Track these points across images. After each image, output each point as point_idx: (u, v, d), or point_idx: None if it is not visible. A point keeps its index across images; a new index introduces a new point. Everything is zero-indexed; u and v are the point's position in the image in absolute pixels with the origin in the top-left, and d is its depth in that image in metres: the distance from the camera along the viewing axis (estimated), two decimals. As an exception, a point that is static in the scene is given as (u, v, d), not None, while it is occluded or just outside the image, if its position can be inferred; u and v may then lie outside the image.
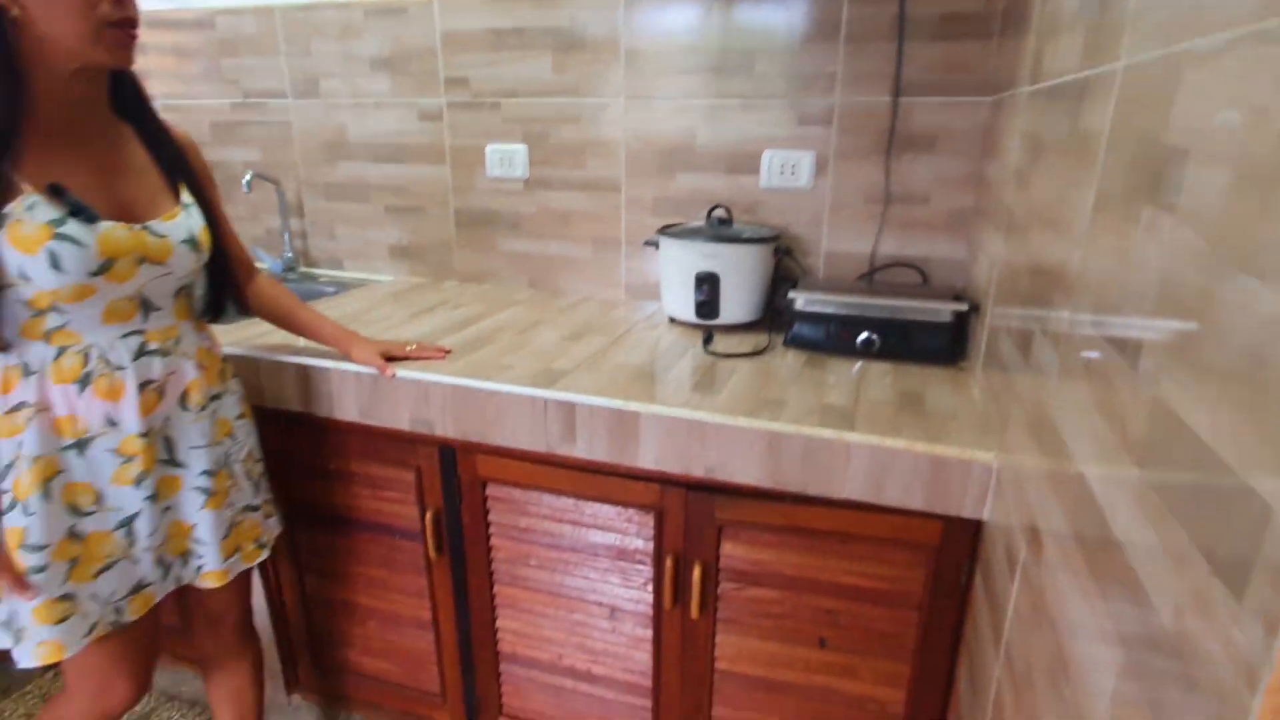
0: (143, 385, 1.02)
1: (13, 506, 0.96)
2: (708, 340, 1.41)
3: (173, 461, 1.08)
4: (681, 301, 1.48)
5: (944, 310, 1.27)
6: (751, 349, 1.36)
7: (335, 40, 1.82)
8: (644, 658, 1.29)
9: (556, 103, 1.68)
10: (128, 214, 0.99)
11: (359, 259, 2.00)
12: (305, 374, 1.30)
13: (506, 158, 1.75)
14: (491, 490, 1.29)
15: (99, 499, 1.02)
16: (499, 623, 1.38)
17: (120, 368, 1.00)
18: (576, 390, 1.15)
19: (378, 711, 1.56)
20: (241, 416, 1.19)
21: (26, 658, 0.99)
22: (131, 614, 1.06)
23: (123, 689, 1.10)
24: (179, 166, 1.08)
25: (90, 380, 0.98)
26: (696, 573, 1.16)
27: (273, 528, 1.26)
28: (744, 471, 1.07)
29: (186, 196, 1.06)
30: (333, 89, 1.87)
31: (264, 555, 1.23)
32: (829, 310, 1.34)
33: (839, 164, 1.50)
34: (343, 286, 1.91)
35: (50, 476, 0.98)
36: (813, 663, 1.17)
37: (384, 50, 1.78)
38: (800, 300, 1.35)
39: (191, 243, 1.04)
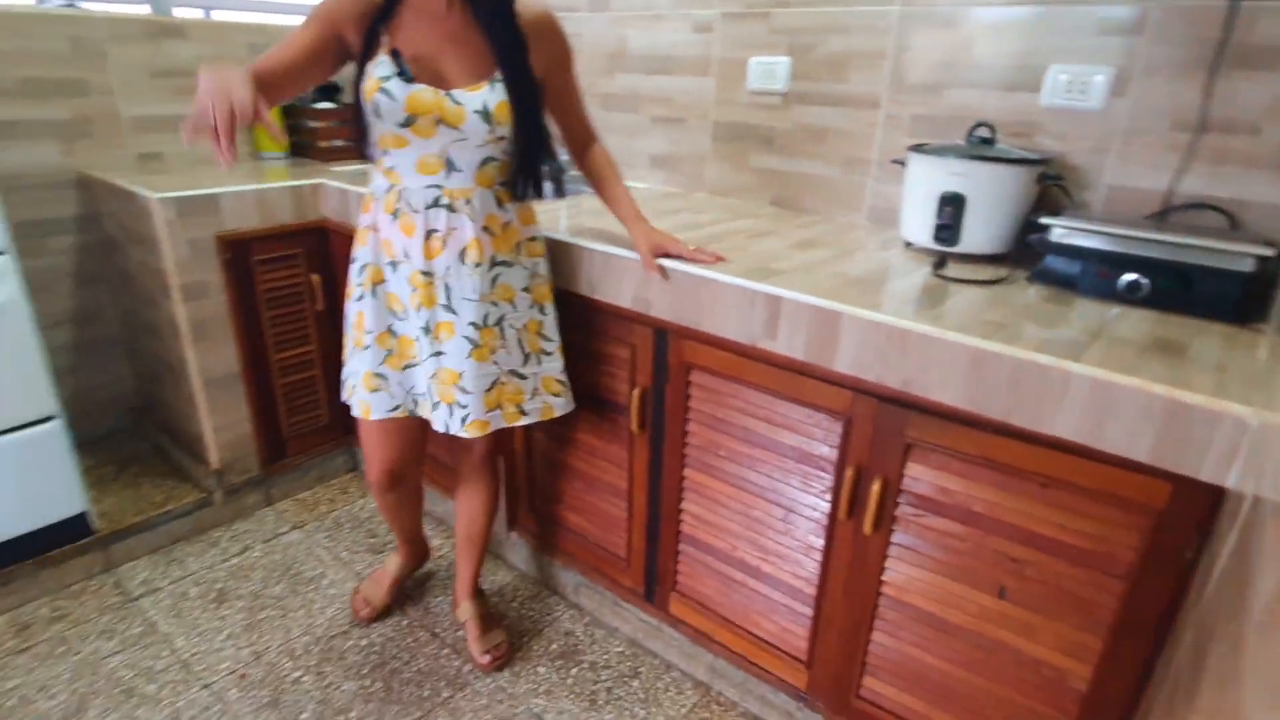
0: (429, 232, 1.24)
1: (360, 297, 1.33)
2: (939, 265, 1.32)
3: (448, 306, 1.29)
4: (920, 225, 1.40)
5: (1245, 255, 1.06)
6: (988, 278, 1.26)
7: (629, -46, 1.94)
8: (812, 565, 1.30)
9: (829, 11, 1.64)
10: (440, 81, 1.17)
11: (624, 166, 2.15)
12: (560, 247, 1.46)
13: (769, 70, 1.76)
14: (695, 376, 1.36)
15: (406, 312, 1.31)
16: (683, 504, 1.47)
17: (416, 211, 1.24)
18: (786, 288, 1.16)
19: (573, 561, 1.76)
20: (529, 290, 1.35)
21: (354, 408, 1.38)
22: (420, 411, 1.38)
23: (391, 454, 1.46)
24: (509, 46, 1.17)
25: (398, 215, 1.24)
26: (876, 488, 1.14)
27: (551, 405, 1.44)
28: (942, 388, 1.02)
29: (499, 74, 1.18)
30: (622, 3, 2.00)
31: (525, 420, 1.41)
32: (1091, 244, 1.18)
33: (1144, 80, 1.28)
34: (603, 188, 2.08)
35: (378, 282, 1.31)
36: (988, 611, 1.10)
37: (669, -39, 1.87)
38: (1057, 228, 1.21)
39: (484, 114, 1.17)
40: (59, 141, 1.99)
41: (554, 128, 1.35)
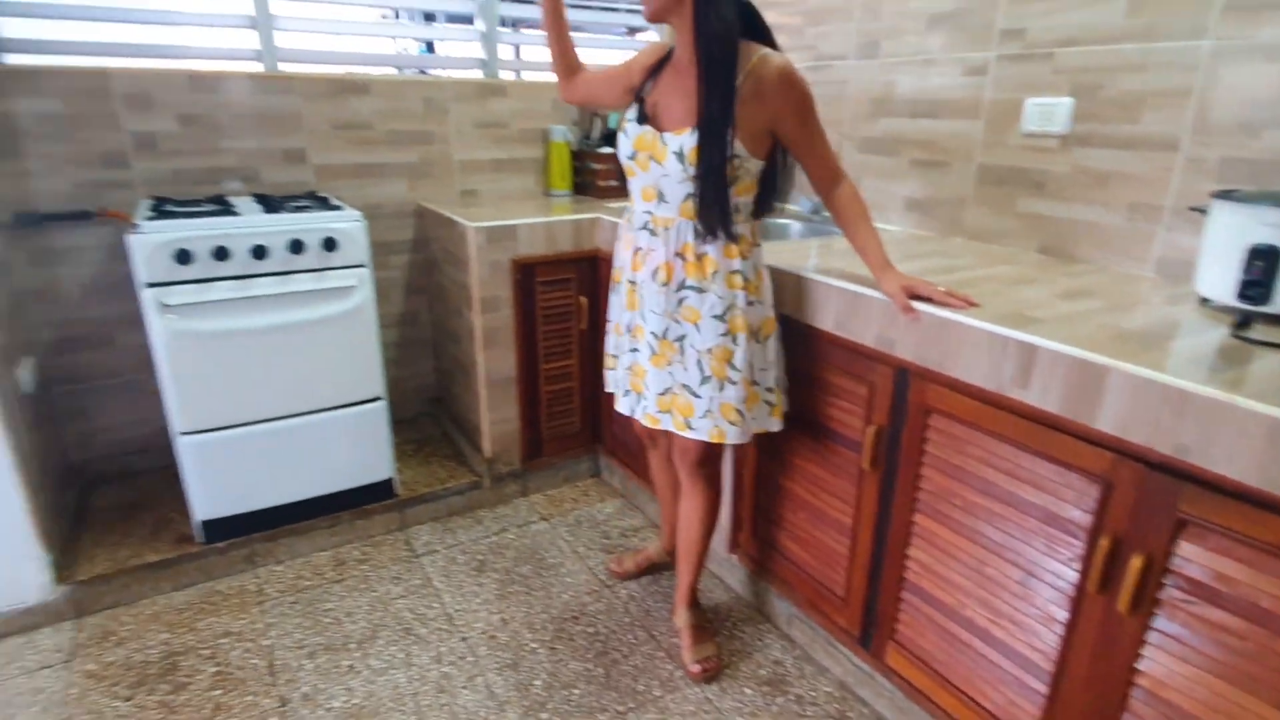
0: (636, 249, 1.49)
1: (613, 291, 1.64)
2: (1242, 324, 1.16)
3: (641, 314, 1.51)
4: (1222, 279, 1.25)
5: None
6: (1308, 345, 1.08)
7: (902, 1, 1.97)
8: (1051, 638, 1.20)
9: (1123, 49, 1.53)
10: (662, 124, 1.38)
11: (874, 209, 2.17)
12: (799, 282, 1.53)
13: (1047, 112, 1.67)
14: (934, 420, 1.34)
15: (623, 311, 1.58)
16: (910, 550, 1.44)
17: (632, 230, 1.49)
18: (1045, 336, 1.11)
19: (789, 591, 1.78)
20: (724, 319, 1.42)
21: (606, 384, 1.72)
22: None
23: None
24: (708, 98, 1.27)
25: (622, 232, 1.55)
26: (1136, 564, 1.03)
27: (724, 431, 1.47)
28: (1228, 461, 0.91)
29: (701, 123, 1.29)
30: (891, 49, 2.03)
31: (692, 434, 1.49)
32: None
33: None
34: (855, 229, 2.11)
35: (618, 281, 1.57)
36: (1275, 728, 0.94)
37: (945, 6, 1.86)
38: None
39: (679, 155, 1.33)
40: (407, 179, 2.49)
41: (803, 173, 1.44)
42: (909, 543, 1.43)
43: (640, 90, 1.44)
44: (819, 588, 1.68)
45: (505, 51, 2.64)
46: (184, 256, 1.72)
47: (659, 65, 1.43)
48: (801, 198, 2.31)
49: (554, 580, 2.04)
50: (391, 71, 2.63)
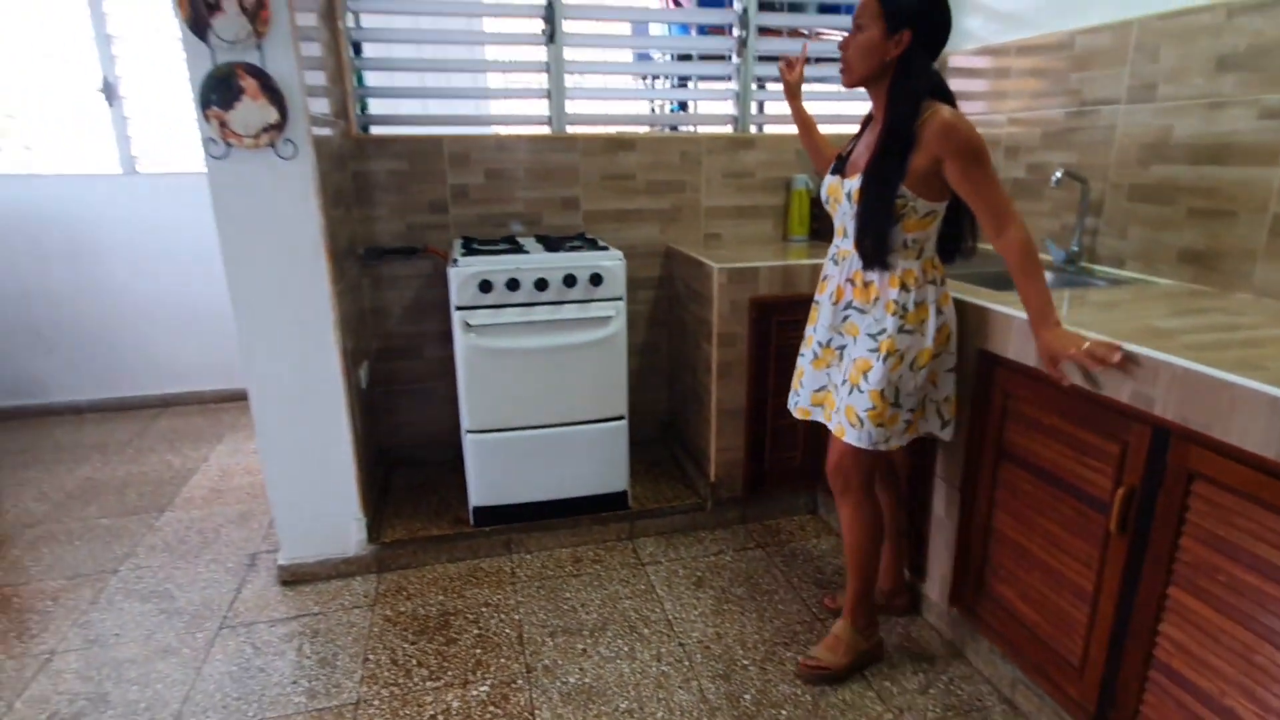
0: (824, 277, 1.75)
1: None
2: None
3: (814, 328, 1.77)
4: None
5: None
6: None
7: (1186, 43, 1.85)
8: (1339, 745, 1.06)
9: None
10: (848, 171, 1.62)
11: (1142, 260, 2.02)
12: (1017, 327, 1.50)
13: (1367, 158, 1.49)
14: (1198, 486, 1.25)
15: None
16: (1161, 626, 1.33)
17: (830, 260, 1.74)
18: (1337, 402, 1.02)
19: (1012, 651, 1.70)
20: (875, 338, 1.60)
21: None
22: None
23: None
24: (877, 148, 1.51)
25: (829, 262, 1.76)
26: None
27: (844, 428, 1.66)
28: None
29: (867, 168, 1.52)
30: (1169, 92, 1.91)
31: (835, 428, 1.70)
32: None
33: None
34: (1115, 282, 1.98)
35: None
36: None
37: (1238, 47, 1.73)
38: None
39: (849, 197, 1.58)
40: (659, 223, 2.78)
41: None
42: (1161, 617, 1.33)
43: (847, 148, 1.70)
44: (1049, 653, 1.60)
45: (754, 106, 2.85)
46: (485, 286, 2.10)
47: (863, 128, 1.69)
48: (1050, 244, 2.21)
49: (767, 605, 2.12)
50: (654, 129, 2.96)
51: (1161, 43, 1.92)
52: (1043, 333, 1.43)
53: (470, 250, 2.28)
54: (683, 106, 3.51)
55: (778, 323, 2.35)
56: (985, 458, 1.75)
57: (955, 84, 2.75)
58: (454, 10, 2.58)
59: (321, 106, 2.11)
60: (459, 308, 2.12)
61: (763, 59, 2.78)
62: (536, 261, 2.16)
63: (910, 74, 1.48)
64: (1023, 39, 2.39)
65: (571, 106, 2.65)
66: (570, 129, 2.66)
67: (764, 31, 2.78)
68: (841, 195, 1.61)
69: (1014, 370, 1.63)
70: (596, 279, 2.19)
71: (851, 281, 1.65)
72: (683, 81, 3.30)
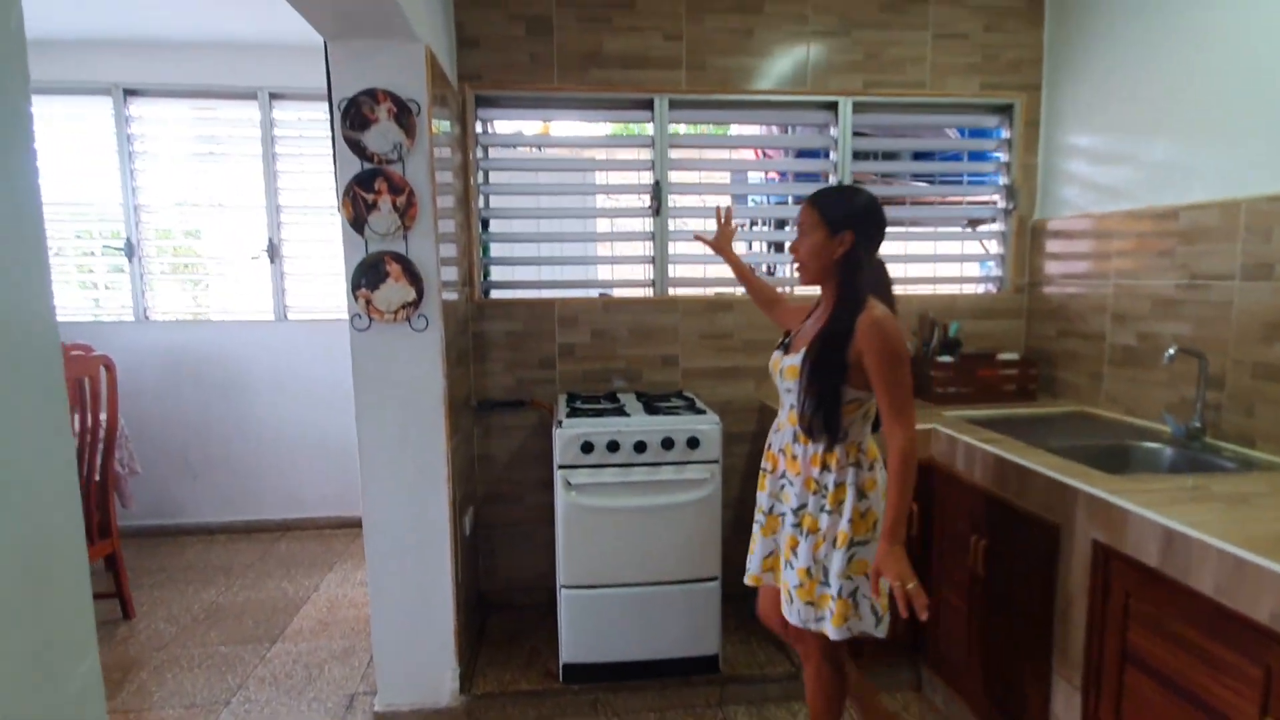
0: (768, 445, 1.87)
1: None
2: None
3: (762, 493, 1.87)
4: None
5: None
6: None
7: (1301, 227, 1.82)
8: None
9: None
10: (791, 349, 1.76)
11: (1274, 441, 1.90)
12: (1169, 535, 1.43)
13: None
14: (1358, 731, 1.12)
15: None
16: None
17: (773, 430, 1.86)
18: None
19: None
20: (798, 512, 1.72)
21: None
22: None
23: (763, 610, 1.97)
24: (818, 335, 1.67)
25: (772, 430, 1.88)
26: None
27: (786, 607, 1.77)
28: None
29: (806, 349, 1.68)
30: (1287, 273, 1.86)
31: (783, 594, 1.78)
32: None
33: None
34: (1246, 464, 1.87)
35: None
36: None
37: (1360, 236, 1.68)
38: None
39: (782, 373, 1.75)
40: (754, 380, 2.86)
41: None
42: None
43: (798, 325, 1.85)
44: None
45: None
46: (587, 447, 2.21)
47: (813, 309, 1.84)
48: (1168, 416, 2.11)
49: (868, 801, 1.97)
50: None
51: (1273, 225, 1.90)
52: (886, 544, 1.60)
53: (573, 406, 2.42)
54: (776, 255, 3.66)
55: (876, 488, 2.32)
56: (1109, 659, 1.63)
57: (1053, 246, 2.77)
58: (570, 190, 2.87)
59: (450, 276, 2.36)
60: (561, 466, 2.23)
61: None
62: (636, 424, 2.26)
63: (856, 269, 1.66)
64: (1124, 209, 2.41)
65: (674, 270, 2.83)
66: (672, 290, 2.83)
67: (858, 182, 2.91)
68: (781, 370, 1.77)
69: (1134, 567, 1.54)
70: (694, 442, 2.26)
71: (783, 452, 1.79)
72: (778, 246, 3.47)
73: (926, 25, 2.78)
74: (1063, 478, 1.73)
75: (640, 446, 2.23)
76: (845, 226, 1.66)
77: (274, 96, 3.75)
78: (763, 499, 1.86)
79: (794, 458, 1.76)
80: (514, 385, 2.78)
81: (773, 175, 3.61)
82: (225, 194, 3.86)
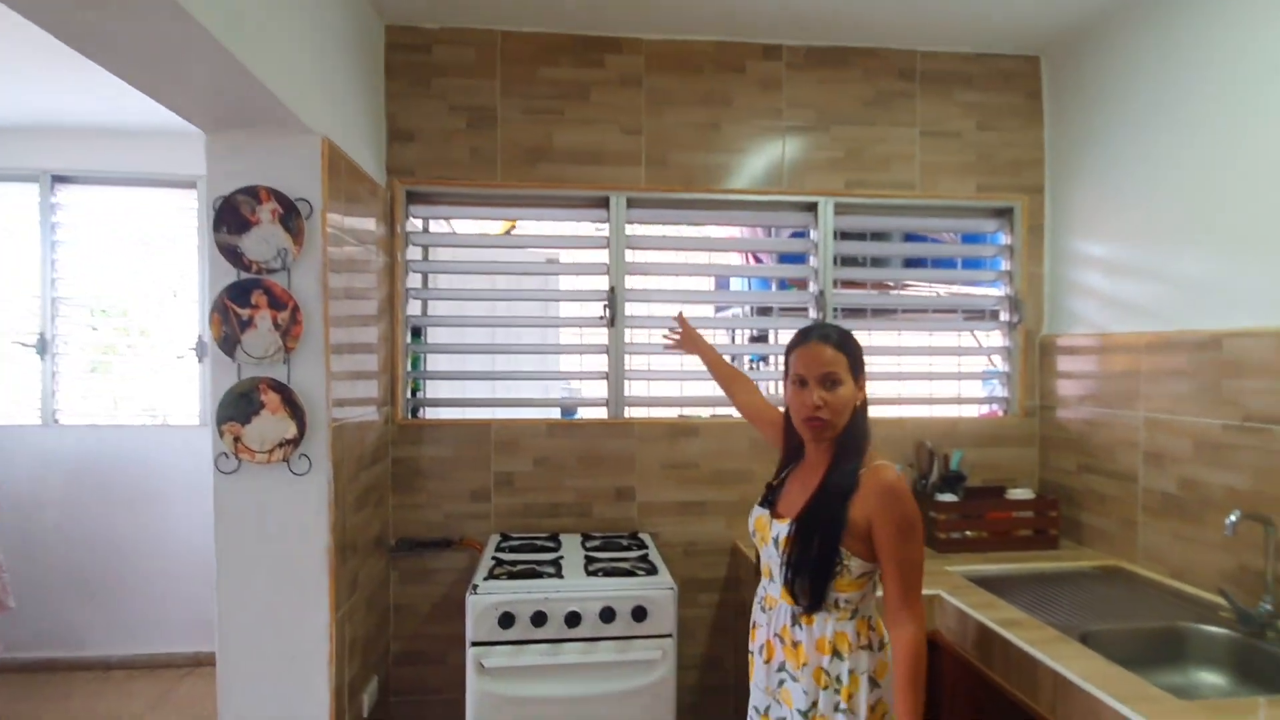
0: (753, 625, 1.53)
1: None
2: None
3: (753, 685, 1.52)
4: None
5: None
6: None
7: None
8: None
9: None
10: (778, 510, 1.47)
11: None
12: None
13: None
14: None
15: None
16: None
17: (757, 603, 1.53)
18: None
19: None
20: (805, 715, 1.36)
21: None
22: None
23: None
24: (816, 498, 1.38)
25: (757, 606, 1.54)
26: None
27: None
28: None
29: (801, 515, 1.39)
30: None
31: None
32: None
33: None
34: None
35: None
36: None
37: None
38: None
39: (776, 542, 1.42)
40: (725, 517, 2.44)
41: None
42: None
43: (777, 476, 1.56)
44: None
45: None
46: (506, 620, 1.78)
47: (791, 458, 1.55)
48: (1228, 595, 1.69)
49: None
50: (720, 412, 2.72)
51: (1349, 365, 1.54)
52: None
53: (502, 551, 2.00)
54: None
55: (868, 669, 1.87)
56: None
57: (1067, 364, 2.42)
58: (515, 295, 2.53)
59: (364, 393, 1.99)
60: (474, 644, 1.78)
61: (847, 312, 2.56)
62: (569, 589, 1.84)
63: (864, 420, 1.44)
64: (1151, 330, 2.06)
65: (631, 388, 2.47)
66: (629, 411, 2.46)
67: (847, 285, 2.57)
68: (769, 536, 1.45)
69: None
70: (640, 613, 1.82)
71: (780, 638, 1.45)
72: (760, 356, 3.12)
73: (914, 122, 2.52)
74: (1117, 703, 1.30)
75: (573, 619, 1.79)
76: (860, 371, 1.44)
77: (217, 185, 3.48)
78: (757, 696, 1.50)
79: (794, 645, 1.42)
80: (441, 522, 2.35)
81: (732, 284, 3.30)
82: (155, 285, 3.53)
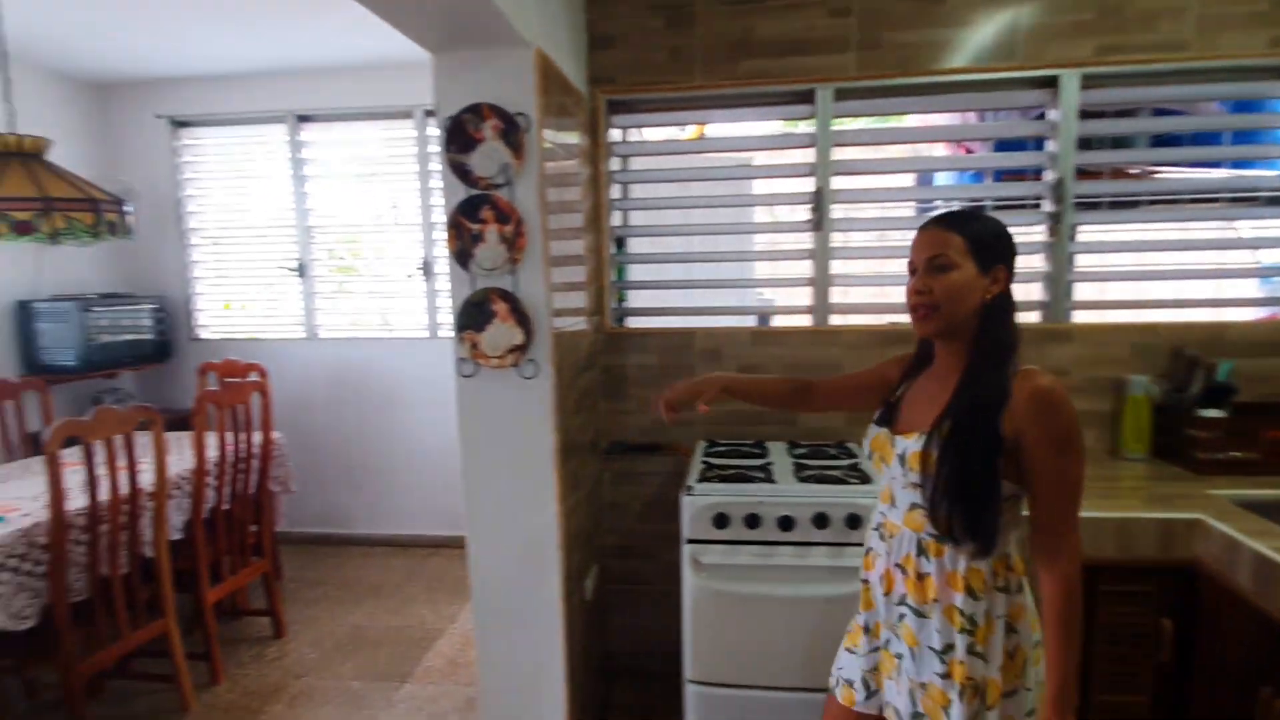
0: (868, 550, 1.39)
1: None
2: None
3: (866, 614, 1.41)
4: None
5: None
6: None
7: None
8: None
9: None
10: (900, 426, 1.31)
11: None
12: None
13: None
14: None
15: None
16: None
17: (870, 527, 1.40)
18: None
19: None
20: (943, 657, 1.23)
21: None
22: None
23: None
24: (957, 404, 1.21)
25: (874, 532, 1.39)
26: None
27: None
28: None
29: (932, 427, 1.22)
30: None
31: None
32: None
33: None
34: None
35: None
36: None
37: None
38: None
39: (901, 459, 1.26)
40: (939, 430, 2.31)
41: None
42: None
43: (893, 392, 1.40)
44: None
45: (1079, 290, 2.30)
46: (721, 520, 1.84)
47: (914, 370, 1.40)
48: None
49: None
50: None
51: None
52: (1052, 697, 1.17)
53: (711, 455, 2.06)
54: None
55: (1107, 594, 1.73)
56: None
57: None
58: (718, 203, 2.49)
59: (574, 303, 2.08)
60: (689, 541, 1.87)
61: (1081, 204, 2.25)
62: (783, 494, 1.85)
63: (1008, 317, 1.26)
64: None
65: (838, 295, 2.37)
66: (835, 319, 2.37)
67: (1082, 174, 2.26)
68: (892, 455, 1.29)
69: None
70: (854, 521, 1.80)
71: (902, 569, 1.30)
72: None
73: (1192, -36, 2.08)
74: None
75: (786, 523, 1.81)
76: (998, 259, 1.24)
77: (428, 114, 3.72)
78: (868, 621, 1.39)
79: (919, 577, 1.27)
80: (649, 426, 2.45)
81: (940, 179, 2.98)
82: (384, 213, 3.91)
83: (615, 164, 2.42)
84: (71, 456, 2.29)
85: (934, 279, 1.23)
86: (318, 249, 3.96)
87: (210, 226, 4.04)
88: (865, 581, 1.40)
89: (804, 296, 2.39)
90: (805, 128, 2.32)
